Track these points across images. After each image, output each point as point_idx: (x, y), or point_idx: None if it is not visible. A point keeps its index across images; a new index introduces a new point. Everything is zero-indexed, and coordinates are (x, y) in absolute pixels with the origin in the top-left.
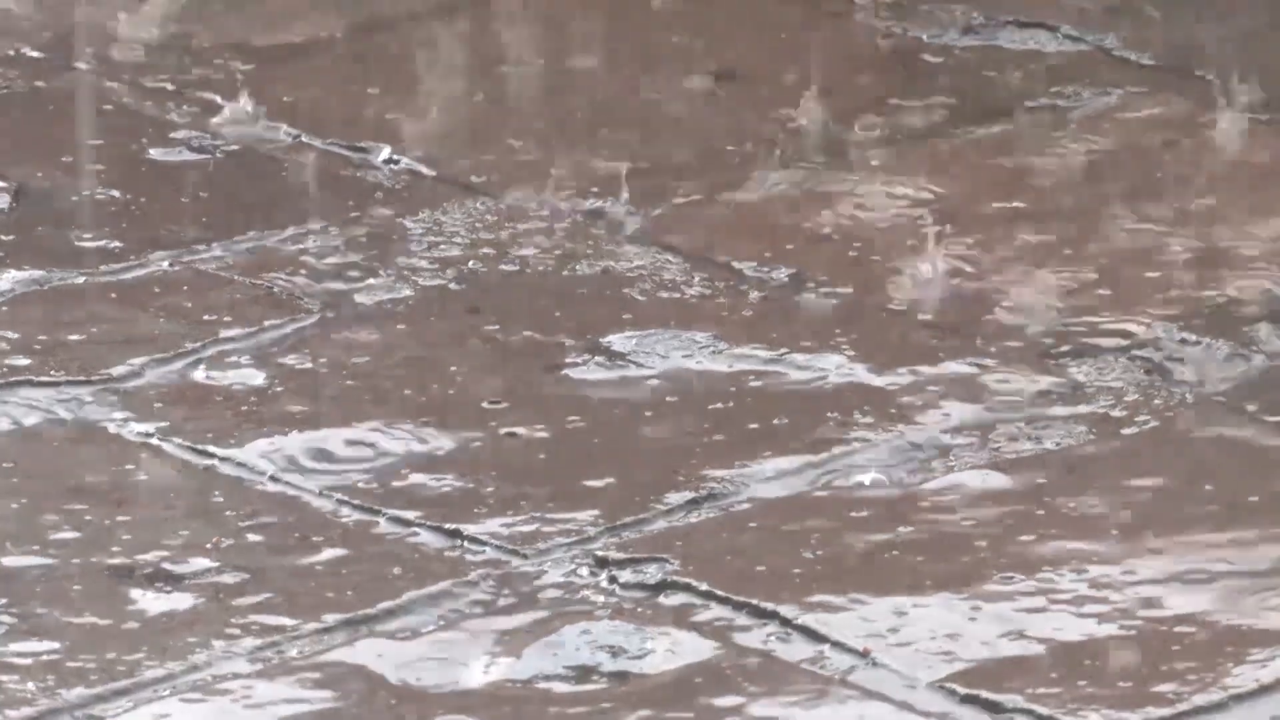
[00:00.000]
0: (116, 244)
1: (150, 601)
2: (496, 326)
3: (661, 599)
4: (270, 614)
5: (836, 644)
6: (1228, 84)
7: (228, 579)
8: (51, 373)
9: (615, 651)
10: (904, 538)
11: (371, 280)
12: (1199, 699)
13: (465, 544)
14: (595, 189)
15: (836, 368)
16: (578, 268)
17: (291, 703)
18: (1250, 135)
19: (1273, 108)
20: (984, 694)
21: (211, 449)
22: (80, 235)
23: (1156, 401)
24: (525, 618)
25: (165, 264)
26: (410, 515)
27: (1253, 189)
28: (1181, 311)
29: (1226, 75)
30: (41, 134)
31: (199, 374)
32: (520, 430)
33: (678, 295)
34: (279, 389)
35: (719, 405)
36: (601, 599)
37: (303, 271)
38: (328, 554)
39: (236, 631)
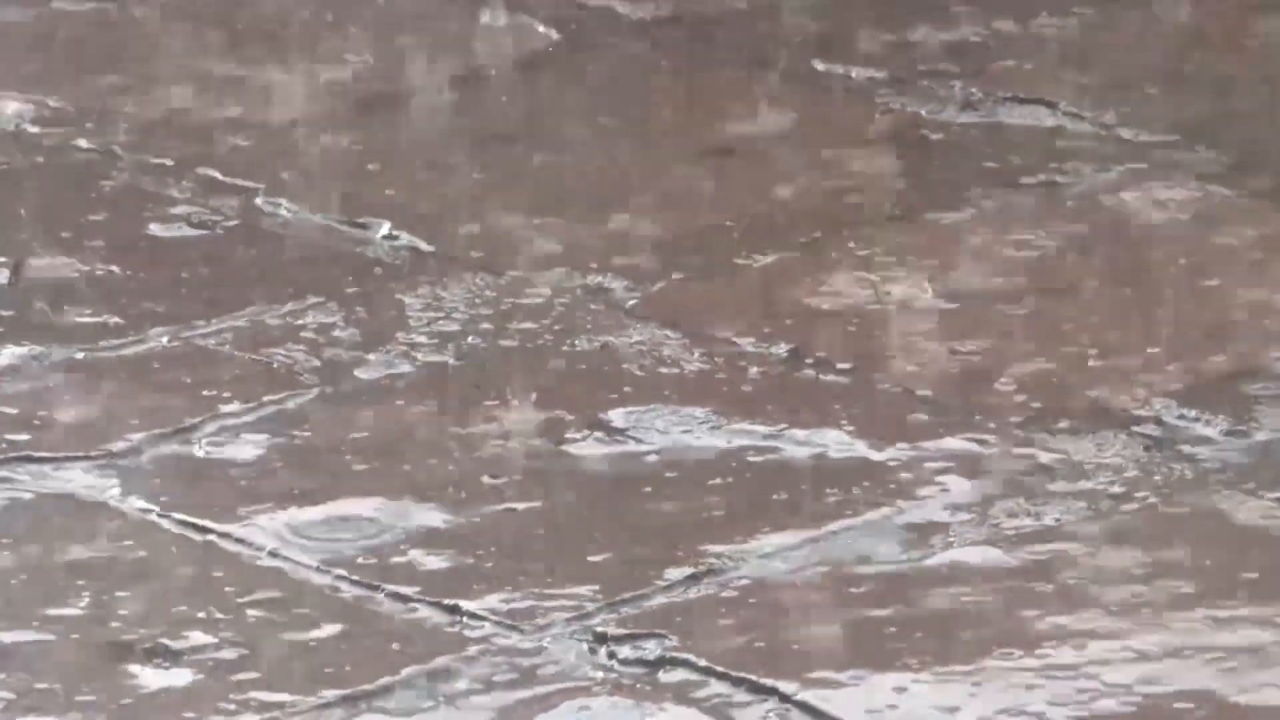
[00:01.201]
0: (116, 319)
1: (149, 677)
2: (495, 402)
3: (661, 675)
4: (269, 690)
5: None
6: (1227, 161)
7: (226, 654)
8: (50, 448)
9: None
10: (903, 614)
11: (370, 355)
12: None
13: (464, 620)
14: (594, 264)
15: (835, 443)
16: (577, 343)
17: None
18: (1249, 212)
19: (1272, 185)
20: None
21: (210, 524)
22: (80, 310)
23: (1156, 477)
24: (524, 694)
25: (164, 339)
26: (409, 590)
27: (1251, 265)
28: (1181, 387)
29: (1226, 152)
30: (41, 209)
31: (198, 449)
32: (519, 505)
33: (677, 370)
34: (278, 464)
35: (718, 481)
36: (600, 675)
37: (302, 347)
38: (326, 629)
39: (235, 707)
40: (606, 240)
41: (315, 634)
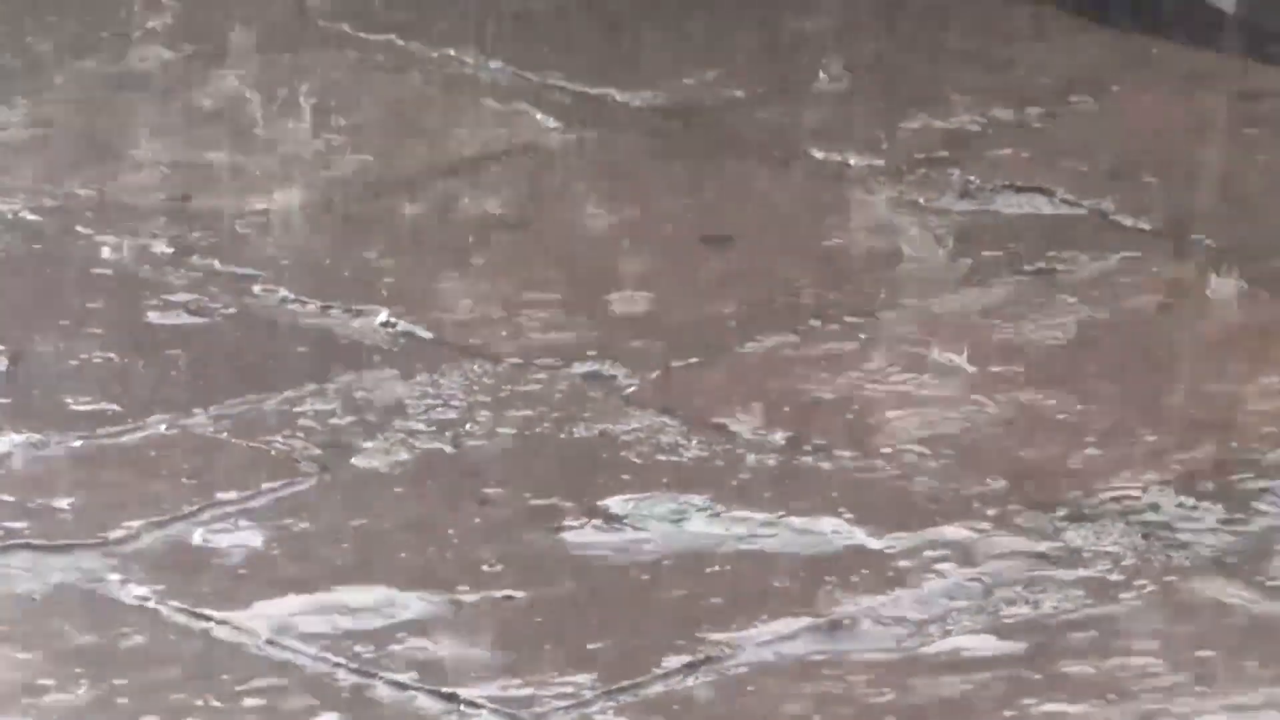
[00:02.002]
0: (114, 407)
1: None
2: (494, 489)
3: None
4: None
5: None
6: (1226, 250)
7: None
8: (48, 536)
9: None
10: (903, 702)
11: (368, 443)
12: None
13: (463, 707)
14: (592, 351)
15: (834, 531)
16: (575, 430)
17: None
18: (1248, 301)
19: (1271, 274)
20: None
21: (209, 612)
22: (78, 398)
23: (1154, 566)
24: None
25: (162, 427)
26: (407, 678)
27: (1250, 355)
28: (1179, 475)
29: (1225, 241)
30: (39, 297)
31: (196, 537)
32: (517, 593)
33: (675, 458)
34: (276, 552)
35: (716, 568)
36: None
37: (300, 434)
38: (325, 718)
39: None
40: (605, 327)
41: None
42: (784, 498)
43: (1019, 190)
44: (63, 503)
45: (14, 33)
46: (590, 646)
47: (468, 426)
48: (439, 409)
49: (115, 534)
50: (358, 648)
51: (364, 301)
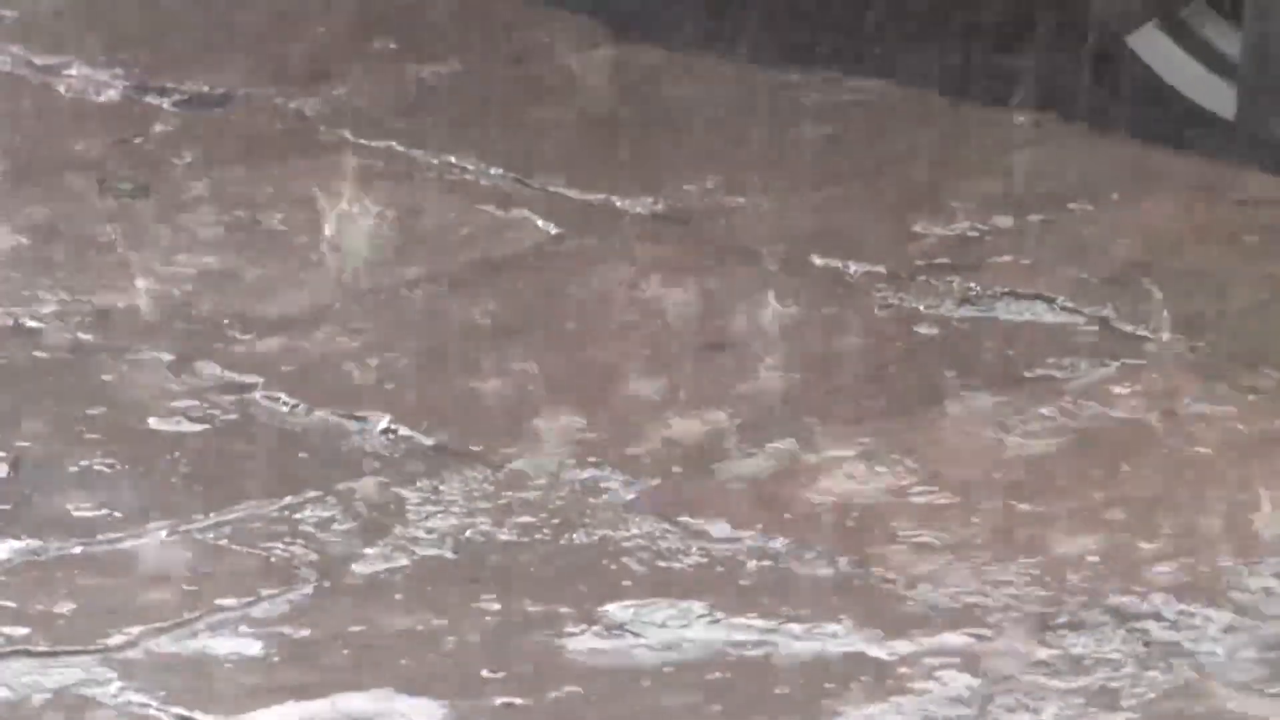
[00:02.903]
0: (114, 513)
1: None
2: (494, 596)
3: None
4: None
5: None
6: (1227, 358)
7: None
8: (48, 642)
9: None
10: None
11: (369, 550)
12: None
13: None
14: (593, 458)
15: (834, 637)
16: (575, 536)
17: None
18: (1248, 408)
19: (1271, 382)
20: None
21: (209, 719)
22: (78, 505)
23: (1155, 674)
24: None
25: (163, 533)
26: None
27: (1250, 462)
28: (1180, 583)
29: (1226, 349)
30: (41, 404)
31: (196, 644)
32: (518, 700)
33: (676, 564)
34: (276, 659)
35: (717, 675)
36: None
37: (300, 541)
38: None
39: None
40: (605, 434)
41: None
42: (784, 604)
43: (1019, 297)
44: (62, 609)
45: (15, 136)
46: None
47: (468, 533)
48: (439, 515)
49: (115, 640)
50: None
51: (365, 408)
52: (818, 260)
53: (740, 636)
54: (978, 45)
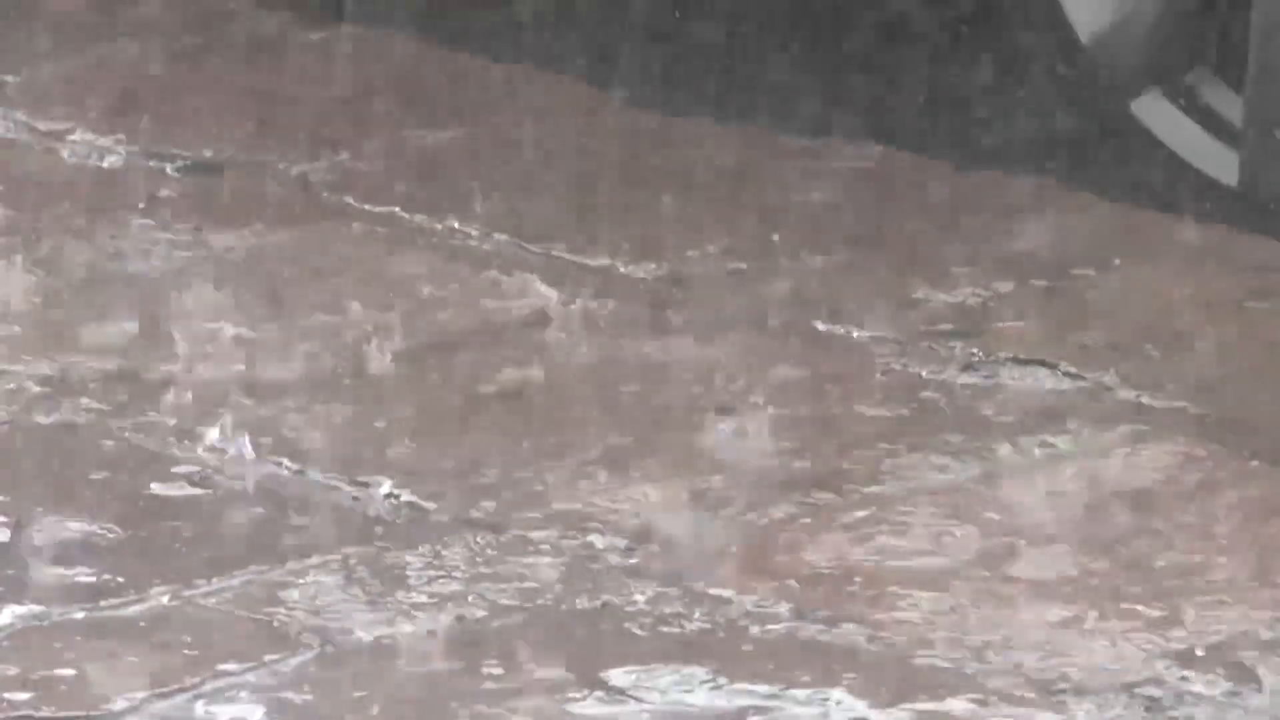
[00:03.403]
0: (116, 579)
1: None
2: (496, 661)
3: None
4: None
5: None
6: (1228, 424)
7: None
8: (50, 708)
9: None
10: None
11: (371, 615)
12: None
13: None
14: (596, 524)
15: (838, 704)
16: (578, 602)
17: None
18: (1250, 476)
19: (1273, 450)
20: None
21: None
22: (80, 570)
23: None
24: None
25: (165, 599)
26: None
27: (1251, 532)
28: (1183, 649)
29: (1229, 416)
30: (42, 468)
31: (199, 709)
32: None
33: (678, 629)
34: None
35: None
36: None
37: (302, 606)
38: None
39: None
40: (608, 499)
41: None
42: (787, 670)
43: (1022, 363)
44: (65, 674)
45: (16, 202)
46: None
47: (470, 598)
48: (441, 580)
49: (118, 706)
50: None
51: (366, 473)
52: (820, 326)
53: (743, 702)
54: (980, 111)
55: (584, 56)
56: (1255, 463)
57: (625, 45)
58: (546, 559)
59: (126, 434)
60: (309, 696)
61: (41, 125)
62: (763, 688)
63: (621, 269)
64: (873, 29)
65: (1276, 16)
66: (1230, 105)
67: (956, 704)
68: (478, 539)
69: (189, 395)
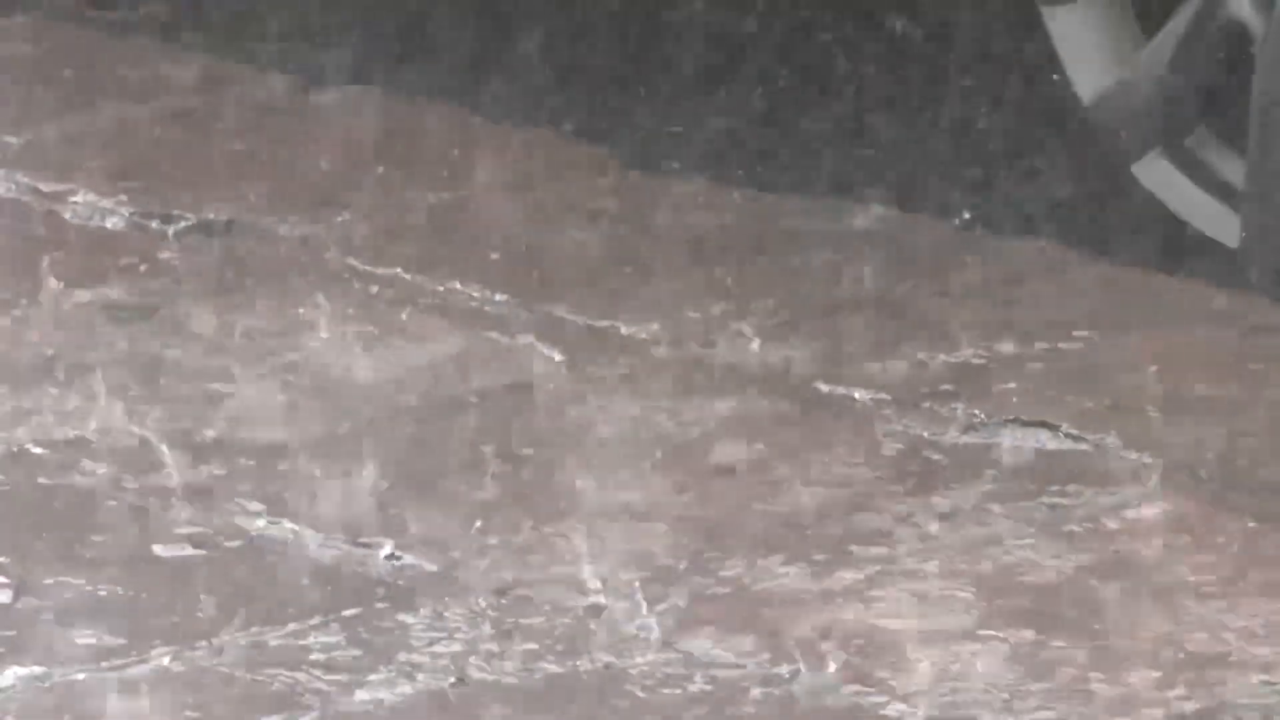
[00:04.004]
0: (118, 640)
1: None
2: None
3: None
4: None
5: None
6: (1229, 486)
7: None
8: None
9: None
10: None
11: (372, 676)
12: None
13: None
14: (597, 585)
15: None
16: (579, 663)
17: None
18: (1251, 538)
19: (1276, 511)
20: None
21: None
22: (82, 631)
23: None
24: None
25: (167, 660)
26: None
27: (1255, 592)
28: (1185, 713)
29: (1230, 478)
30: (44, 530)
31: None
32: None
33: (679, 691)
34: None
35: None
36: None
37: (303, 667)
38: None
39: None
40: (609, 560)
41: None
42: None
43: (1023, 425)
44: None
45: (18, 263)
46: None
47: (471, 659)
48: (443, 642)
49: None
50: None
51: (368, 534)
52: (823, 387)
53: None
54: (982, 173)
55: (587, 117)
56: (1253, 524)
57: (628, 106)
58: (548, 620)
59: (127, 494)
60: None
61: (43, 186)
62: None
63: (623, 330)
64: (875, 93)
65: (1277, 78)
66: (1232, 167)
67: None
68: (479, 601)
69: (190, 456)
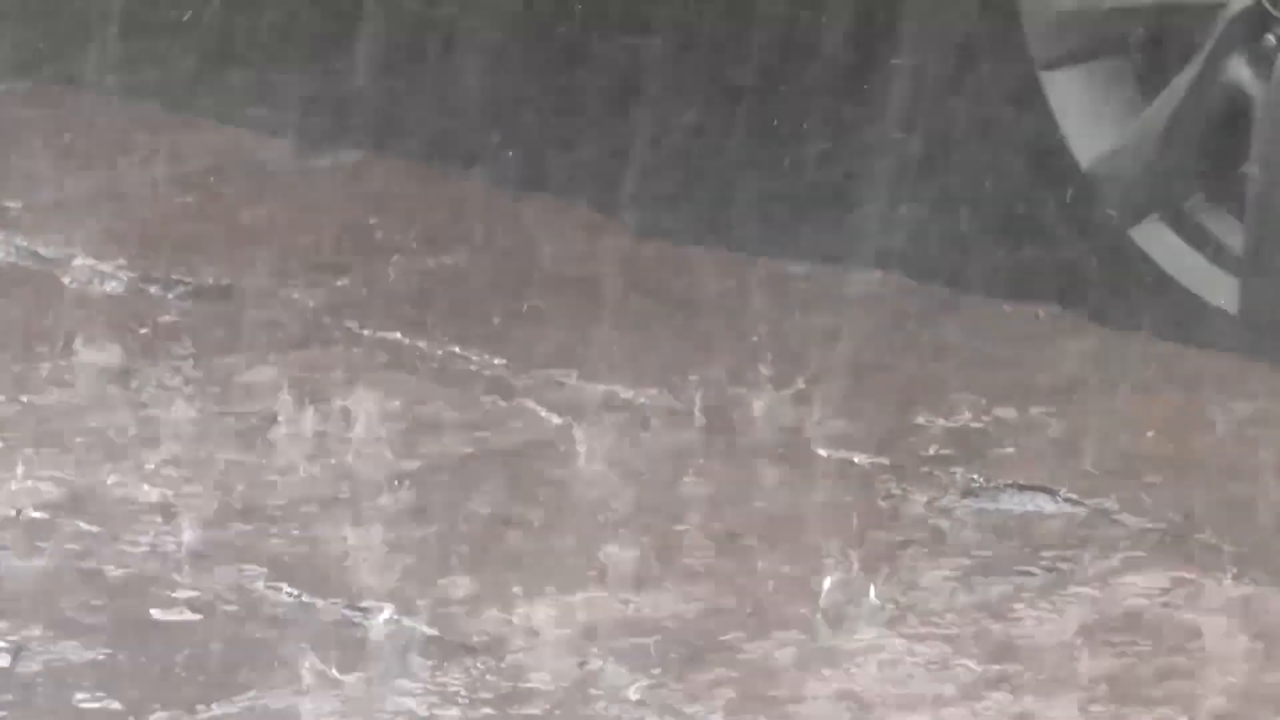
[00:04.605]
0: (115, 704)
1: None
2: None
3: None
4: None
5: None
6: (1228, 552)
7: None
8: None
9: None
10: None
11: None
12: None
13: None
14: (595, 649)
15: None
16: None
17: None
18: (1250, 600)
19: (1272, 572)
20: None
21: None
22: (80, 695)
23: None
24: None
25: None
26: None
27: (1253, 656)
28: None
29: (1228, 541)
30: (42, 595)
31: None
32: None
33: None
34: None
35: None
36: None
37: None
38: None
39: None
40: (610, 625)
41: None
42: None
43: (1023, 489)
44: None
45: (17, 328)
46: None
47: None
48: (441, 706)
49: None
50: None
51: (367, 598)
52: (823, 451)
53: None
54: (981, 237)
55: (588, 182)
56: (1251, 588)
57: (629, 172)
58: (545, 684)
59: (126, 558)
60: None
61: (43, 250)
62: None
63: (623, 394)
64: (872, 159)
65: (1275, 143)
66: (1230, 232)
67: None
68: (477, 664)
69: (190, 520)
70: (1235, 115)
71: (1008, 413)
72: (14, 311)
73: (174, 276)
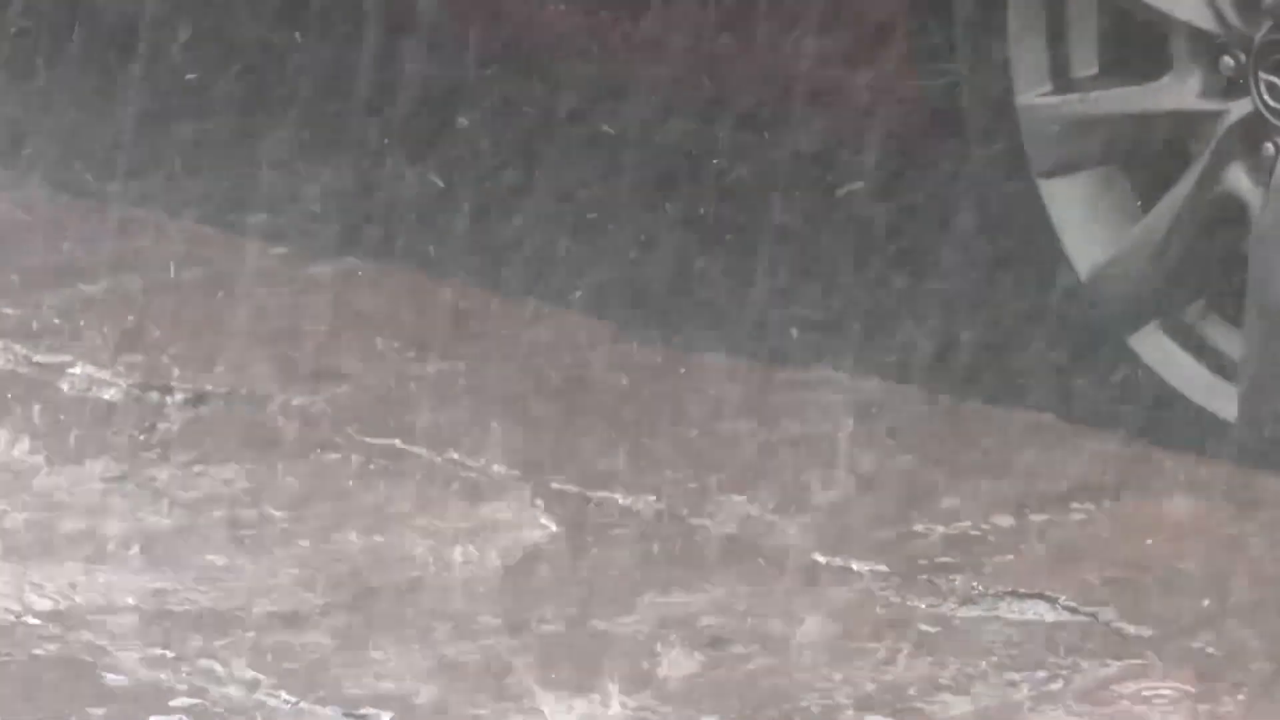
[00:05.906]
0: None
1: None
2: None
3: None
4: None
5: None
6: (1225, 658)
7: None
8: None
9: None
10: None
11: None
12: None
13: None
14: None
15: None
16: None
17: None
18: (1247, 708)
19: (1270, 678)
20: None
21: None
22: None
23: None
24: None
25: None
26: None
27: None
28: None
29: (1227, 650)
30: (40, 703)
31: None
32: None
33: None
34: None
35: None
36: None
37: None
38: None
39: None
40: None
41: None
42: None
43: (1021, 596)
44: None
45: (15, 437)
46: None
47: None
48: None
49: None
50: None
51: (367, 706)
52: (820, 558)
53: None
54: (979, 344)
55: (583, 289)
56: (1243, 695)
57: (623, 279)
58: None
59: (125, 666)
60: None
61: (40, 358)
62: None
63: (621, 501)
64: (869, 266)
65: (1274, 252)
66: (1229, 340)
67: None
68: None
69: (188, 627)
70: (1234, 223)
71: (1006, 520)
72: (10, 421)
73: (172, 383)
